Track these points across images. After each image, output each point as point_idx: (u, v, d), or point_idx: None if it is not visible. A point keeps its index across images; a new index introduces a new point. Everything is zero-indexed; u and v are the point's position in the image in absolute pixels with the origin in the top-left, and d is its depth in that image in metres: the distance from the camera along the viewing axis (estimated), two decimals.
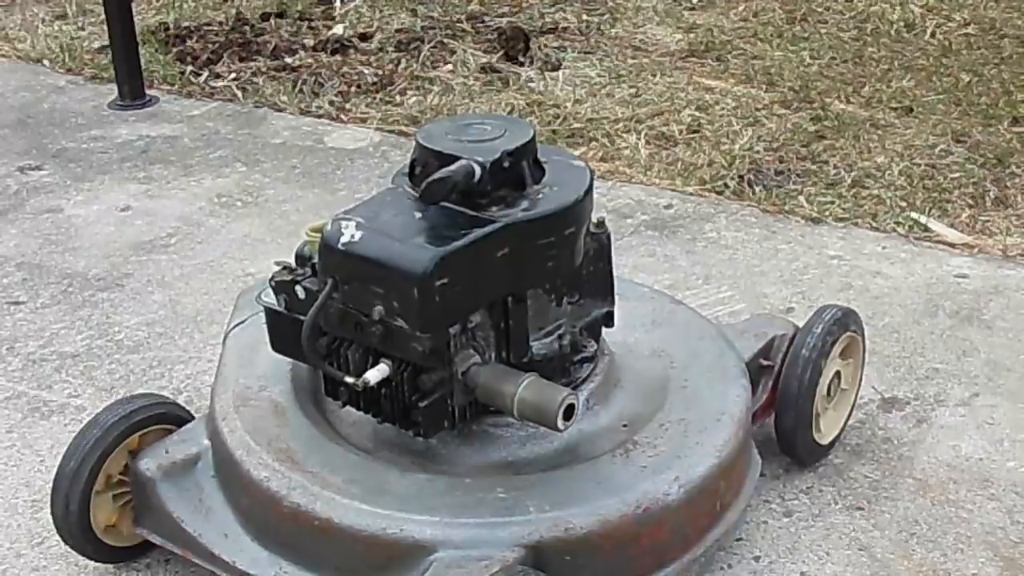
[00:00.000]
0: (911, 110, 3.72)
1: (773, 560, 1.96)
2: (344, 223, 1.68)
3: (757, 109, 3.73)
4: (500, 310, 1.75)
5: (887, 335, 2.57)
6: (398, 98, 3.89)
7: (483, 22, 4.55)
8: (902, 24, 4.42)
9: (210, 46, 4.32)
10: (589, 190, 1.79)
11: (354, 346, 1.71)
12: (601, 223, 1.89)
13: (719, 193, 3.22)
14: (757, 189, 3.23)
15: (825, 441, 2.15)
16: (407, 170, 1.82)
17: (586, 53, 4.25)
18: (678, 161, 3.40)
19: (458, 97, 3.88)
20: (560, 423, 1.66)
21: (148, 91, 3.94)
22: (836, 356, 2.11)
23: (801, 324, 2.13)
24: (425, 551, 1.63)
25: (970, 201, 3.14)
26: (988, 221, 3.05)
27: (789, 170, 3.34)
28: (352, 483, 1.71)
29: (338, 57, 4.23)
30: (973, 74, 3.98)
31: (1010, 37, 4.33)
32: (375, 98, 3.89)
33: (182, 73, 4.11)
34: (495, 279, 1.70)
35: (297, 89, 3.95)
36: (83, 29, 4.56)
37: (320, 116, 3.79)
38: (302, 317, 1.70)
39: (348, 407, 1.81)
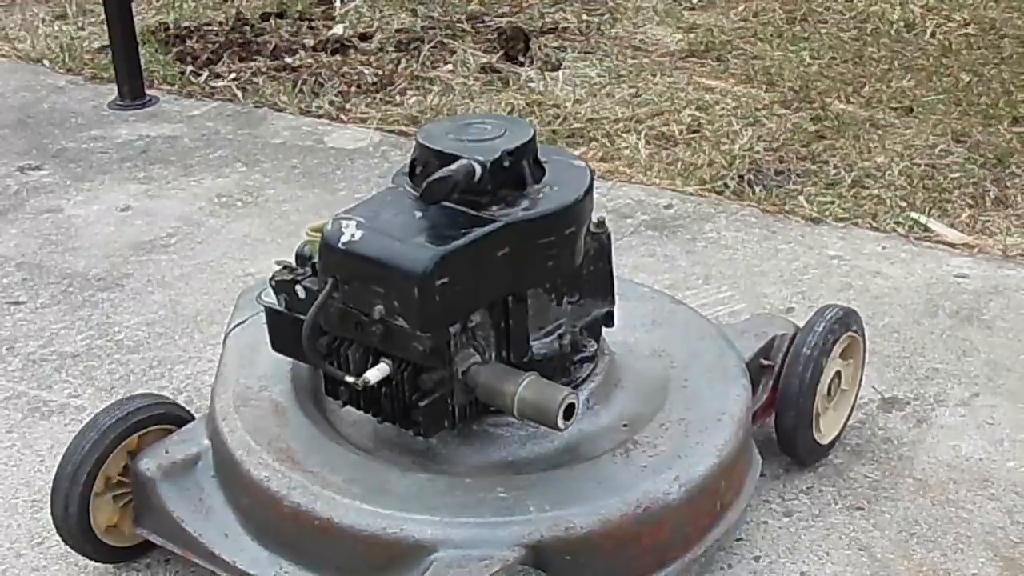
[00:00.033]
0: (911, 110, 3.72)
1: (773, 560, 1.96)
2: (344, 222, 1.68)
3: (757, 109, 3.73)
4: (500, 309, 1.75)
5: (887, 335, 2.57)
6: (398, 98, 3.89)
7: (483, 22, 4.55)
8: (902, 24, 4.42)
9: (210, 46, 4.32)
10: (589, 190, 1.79)
11: (354, 345, 1.71)
12: (601, 223, 1.89)
13: (719, 193, 3.22)
14: (757, 189, 3.23)
15: (825, 441, 2.15)
16: (407, 170, 1.82)
17: (586, 53, 4.25)
18: (678, 161, 3.40)
19: (458, 97, 3.88)
20: (560, 422, 1.66)
21: (148, 91, 3.94)
22: (837, 356, 2.11)
23: (801, 324, 2.13)
24: (425, 551, 1.63)
25: (970, 201, 3.14)
26: (988, 221, 3.05)
27: (789, 170, 3.34)
28: (352, 483, 1.71)
29: (338, 57, 4.23)
30: (973, 74, 3.98)
31: (1010, 37, 4.33)
32: (375, 98, 3.89)
33: (182, 73, 4.11)
34: (495, 278, 1.70)
35: (297, 89, 3.95)
36: (83, 29, 4.56)
37: (320, 116, 3.80)
38: (302, 317, 1.70)
39: (348, 407, 1.81)
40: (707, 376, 1.95)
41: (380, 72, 4.09)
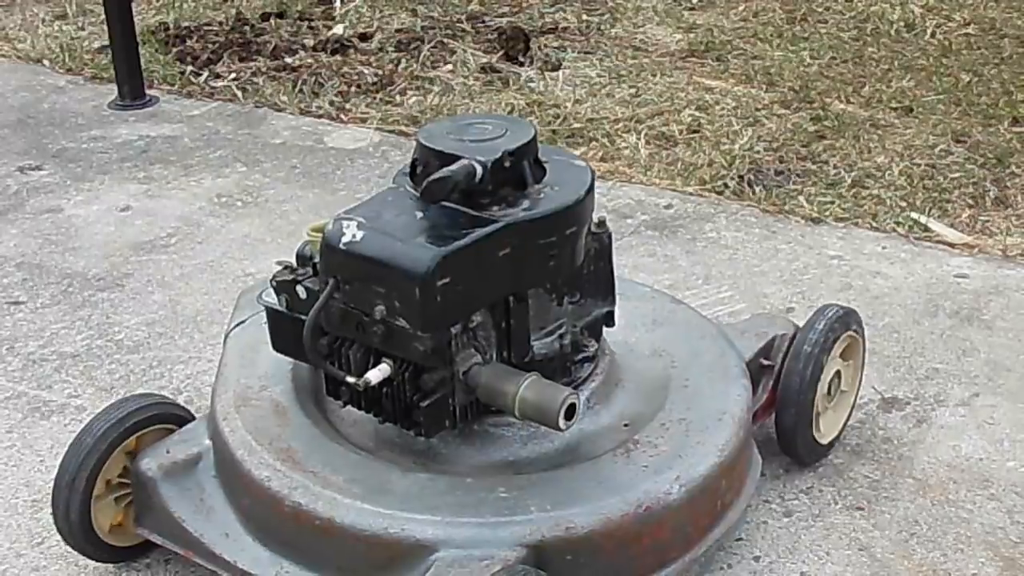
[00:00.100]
0: (911, 110, 3.72)
1: (773, 560, 1.96)
2: (345, 223, 1.68)
3: (757, 109, 3.74)
4: (501, 310, 1.76)
5: (887, 335, 2.57)
6: (398, 98, 3.89)
7: (483, 22, 4.55)
8: (902, 24, 4.43)
9: (210, 46, 4.32)
10: (590, 190, 1.79)
11: (355, 346, 1.71)
12: (602, 223, 1.89)
13: (719, 193, 3.22)
14: (757, 189, 3.23)
15: (825, 441, 2.15)
16: (408, 170, 1.82)
17: (586, 53, 4.25)
18: (678, 161, 3.40)
19: (458, 97, 3.88)
20: (561, 423, 1.66)
21: (148, 91, 3.94)
22: (837, 355, 2.11)
23: (801, 324, 2.13)
24: (426, 551, 1.63)
25: (970, 201, 3.14)
26: (988, 221, 3.05)
27: (789, 170, 3.34)
28: (353, 483, 1.71)
29: (338, 57, 4.23)
30: (973, 74, 3.98)
31: (1010, 37, 4.33)
32: (375, 98, 3.89)
33: (182, 73, 4.11)
34: (496, 279, 1.70)
35: (297, 89, 3.95)
36: (83, 29, 4.56)
37: (320, 116, 3.80)
38: (303, 317, 1.70)
39: (349, 407, 1.81)
40: (708, 376, 1.95)
41: (380, 72, 4.09)
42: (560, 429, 1.68)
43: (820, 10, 4.63)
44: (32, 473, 2.19)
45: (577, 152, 3.33)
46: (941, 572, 1.93)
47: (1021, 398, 2.36)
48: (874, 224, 3.04)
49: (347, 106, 3.85)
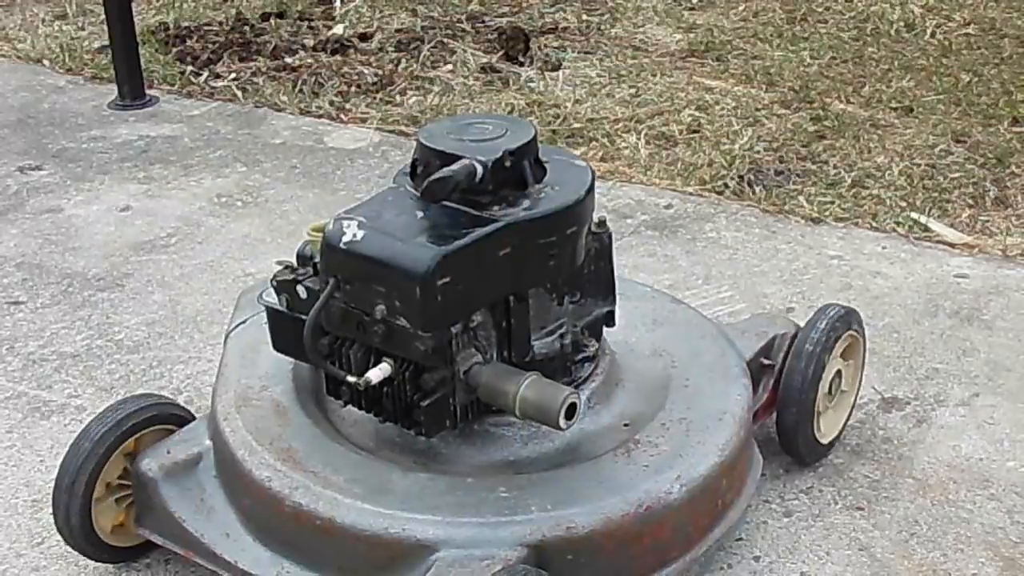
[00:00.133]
0: (911, 110, 3.72)
1: (773, 560, 1.96)
2: (346, 222, 1.68)
3: (757, 109, 3.74)
4: (502, 309, 1.76)
5: (887, 335, 2.57)
6: (398, 98, 3.89)
7: (483, 22, 4.55)
8: (902, 24, 4.43)
9: (210, 46, 4.32)
10: (590, 189, 1.79)
11: (356, 345, 1.71)
12: (602, 223, 1.89)
13: (719, 193, 3.22)
14: (757, 189, 3.23)
15: (825, 441, 2.15)
16: (408, 169, 1.82)
17: (586, 53, 4.25)
18: (678, 161, 3.40)
19: (458, 97, 3.88)
20: (562, 422, 1.66)
21: (148, 91, 3.95)
22: (838, 355, 2.11)
23: (801, 324, 2.13)
24: (427, 550, 1.63)
25: (970, 201, 3.15)
26: (988, 221, 3.06)
27: (789, 170, 3.34)
28: (354, 483, 1.71)
29: (338, 57, 4.23)
30: (973, 74, 3.99)
31: (1010, 37, 4.33)
32: (375, 98, 3.89)
33: (182, 73, 4.11)
34: (497, 278, 1.70)
35: (297, 89, 3.95)
36: (83, 29, 4.56)
37: (320, 116, 3.80)
38: (304, 316, 1.70)
39: (350, 406, 1.81)
40: (708, 375, 1.95)
41: (380, 72, 4.09)
42: (561, 429, 1.68)
43: (820, 10, 4.63)
44: (32, 473, 2.19)
45: (577, 152, 3.33)
46: (941, 572, 1.93)
47: (1021, 398, 2.36)
48: (874, 224, 3.04)
49: (347, 106, 3.85)
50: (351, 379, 1.69)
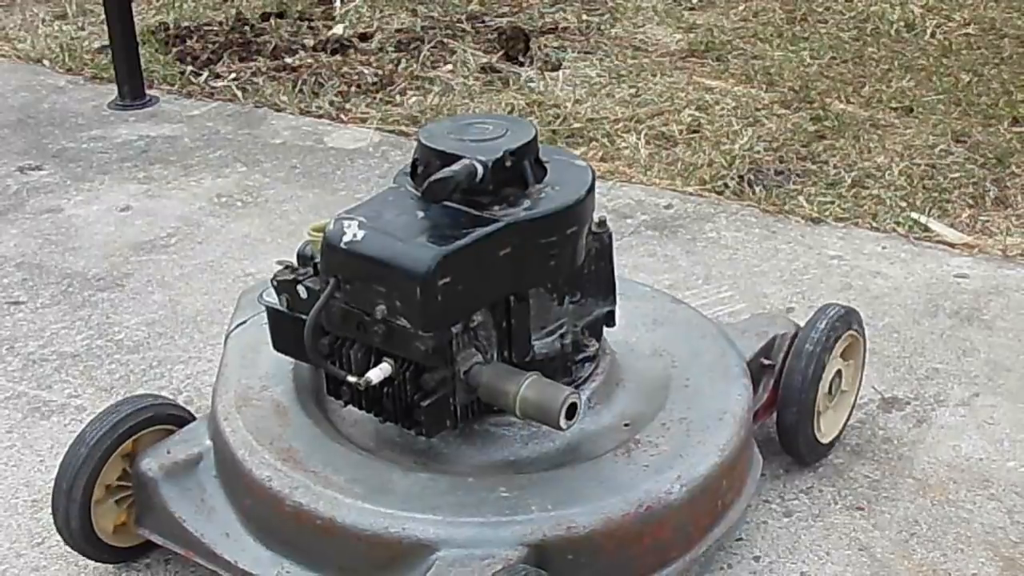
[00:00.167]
0: (911, 110, 3.72)
1: (773, 560, 1.96)
2: (346, 222, 1.68)
3: (757, 109, 3.74)
4: (502, 309, 1.76)
5: (887, 335, 2.57)
6: (398, 98, 3.89)
7: (483, 22, 4.55)
8: (902, 24, 4.43)
9: (210, 46, 4.32)
10: (591, 189, 1.79)
11: (356, 345, 1.71)
12: (603, 222, 1.89)
13: (719, 193, 3.22)
14: (757, 189, 3.23)
15: (825, 441, 2.15)
16: (409, 169, 1.82)
17: (586, 53, 4.25)
18: (678, 161, 3.40)
19: (458, 97, 3.88)
20: (563, 422, 1.66)
21: (148, 91, 3.95)
22: (838, 355, 2.12)
23: (801, 324, 2.13)
24: (428, 550, 1.63)
25: (970, 201, 3.15)
26: (988, 221, 3.06)
27: (789, 170, 3.34)
28: (354, 482, 1.71)
29: (338, 57, 4.23)
30: (973, 74, 3.99)
31: (1010, 37, 4.34)
32: (375, 98, 3.89)
33: (182, 73, 4.11)
34: (497, 278, 1.70)
35: (297, 89, 3.95)
36: (83, 29, 4.56)
37: (320, 116, 3.80)
38: (304, 316, 1.70)
39: (350, 406, 1.81)
40: (708, 375, 1.95)
41: (380, 72, 4.09)
42: (561, 428, 1.68)
43: (820, 10, 4.63)
44: (32, 473, 2.19)
45: (577, 152, 3.33)
46: (941, 572, 1.93)
47: (1021, 398, 2.36)
48: (874, 224, 3.04)
49: (347, 106, 3.85)
50: (351, 379, 1.68)
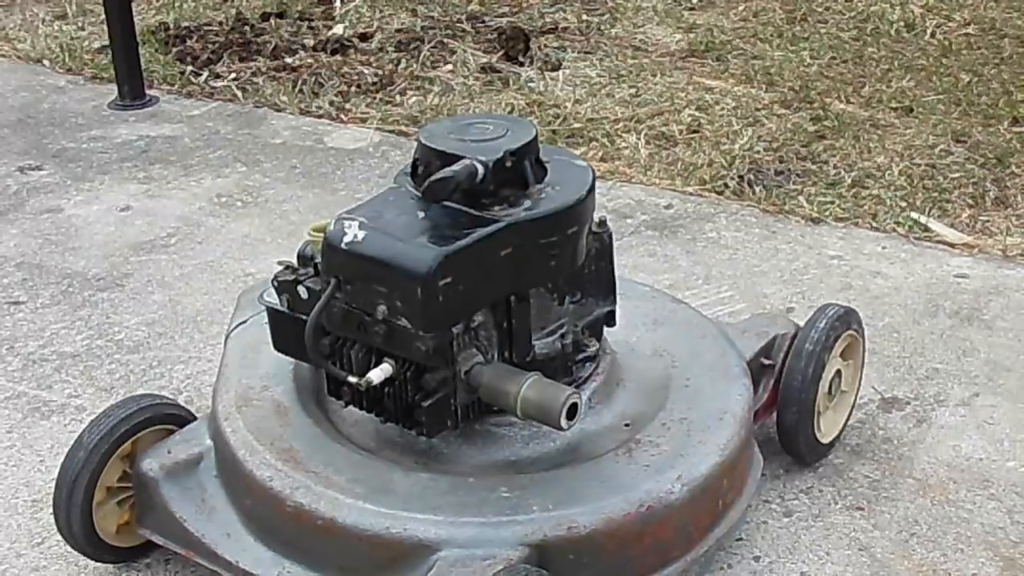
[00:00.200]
0: (911, 110, 3.72)
1: (773, 560, 1.96)
2: (347, 223, 1.68)
3: (757, 109, 3.74)
4: (503, 309, 1.76)
5: (887, 335, 2.57)
6: (398, 98, 3.89)
7: (483, 22, 4.55)
8: (902, 24, 4.43)
9: (210, 46, 4.32)
10: (591, 189, 1.80)
11: (357, 346, 1.71)
12: (603, 222, 1.89)
13: (719, 193, 3.22)
14: (757, 189, 3.23)
15: (825, 441, 2.15)
16: (409, 170, 1.82)
17: (586, 53, 4.25)
18: (678, 161, 3.40)
19: (458, 97, 3.88)
20: (564, 422, 1.66)
21: (148, 91, 3.94)
22: (838, 355, 2.12)
23: (802, 324, 2.13)
24: (429, 550, 1.63)
25: (970, 201, 3.15)
26: (988, 221, 3.06)
27: (789, 170, 3.34)
28: (355, 483, 1.71)
29: (338, 57, 4.23)
30: (973, 74, 3.99)
31: (1010, 37, 4.34)
32: (375, 98, 3.89)
33: (182, 73, 4.11)
34: (498, 278, 1.70)
35: (297, 89, 3.95)
36: (83, 29, 4.56)
37: (320, 116, 3.80)
38: (305, 317, 1.70)
39: (351, 407, 1.81)
40: (709, 375, 1.95)
41: (380, 72, 4.09)
42: (562, 428, 1.68)
43: (820, 10, 4.63)
44: (32, 473, 2.19)
45: (577, 152, 3.33)
46: (941, 572, 1.93)
47: (1021, 398, 2.36)
48: (874, 224, 3.05)
49: (347, 106, 3.85)
50: (352, 379, 1.69)
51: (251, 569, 1.74)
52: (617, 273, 1.95)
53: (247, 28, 4.51)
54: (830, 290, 2.76)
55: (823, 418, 2.13)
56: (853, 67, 4.09)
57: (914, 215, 3.07)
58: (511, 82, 4.00)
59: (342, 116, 3.79)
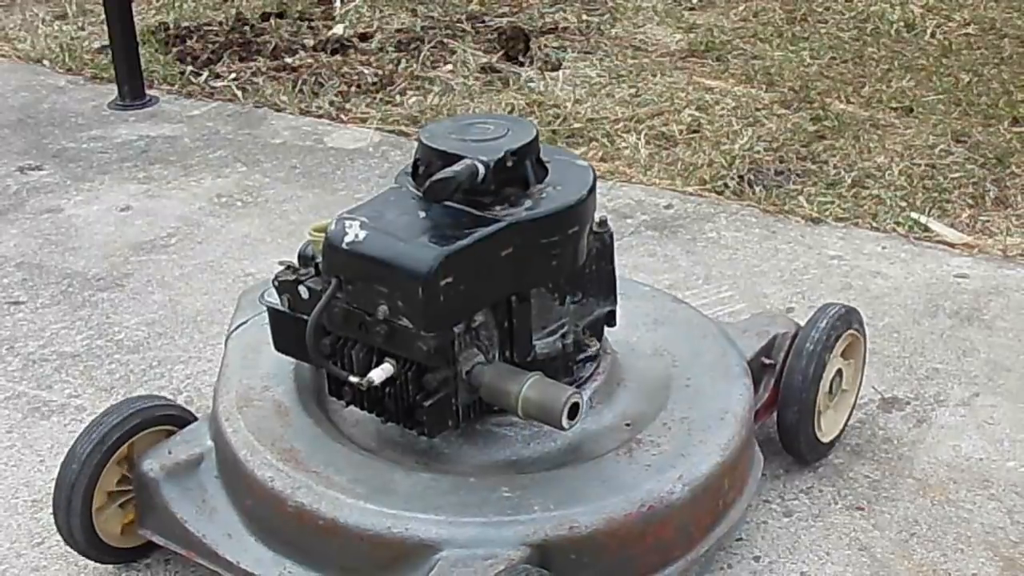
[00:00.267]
0: (911, 110, 3.72)
1: (773, 560, 1.96)
2: (348, 223, 1.68)
3: (757, 109, 3.74)
4: (504, 309, 1.76)
5: (887, 335, 2.57)
6: (398, 98, 3.89)
7: (483, 22, 4.55)
8: (902, 24, 4.43)
9: (210, 46, 4.32)
10: (592, 189, 1.80)
11: (358, 346, 1.71)
12: (604, 222, 1.89)
13: (719, 193, 3.22)
14: (757, 189, 3.23)
15: (826, 441, 2.15)
16: (410, 169, 1.82)
17: (586, 53, 4.25)
18: (678, 161, 3.40)
19: (458, 97, 3.88)
20: (565, 422, 1.66)
21: (148, 91, 3.94)
22: (838, 354, 2.12)
23: (802, 324, 2.13)
24: (430, 550, 1.63)
25: (970, 201, 3.15)
26: (988, 221, 3.06)
27: (789, 170, 3.35)
28: (356, 483, 1.71)
29: (338, 57, 4.23)
30: (973, 74, 3.99)
31: (1010, 37, 4.34)
32: (375, 98, 3.89)
33: (182, 73, 4.11)
34: (499, 278, 1.70)
35: (297, 89, 3.95)
36: (83, 29, 4.56)
37: (320, 116, 3.80)
38: (305, 317, 1.70)
39: (352, 407, 1.81)
40: (709, 375, 1.95)
41: (380, 72, 4.09)
42: (563, 428, 1.68)
43: (820, 10, 4.64)
44: (32, 473, 2.19)
45: (577, 152, 3.33)
46: (941, 572, 1.93)
47: (1021, 398, 2.36)
48: (874, 224, 3.05)
49: (347, 106, 3.85)
50: (353, 379, 1.69)
51: (252, 569, 1.74)
52: (617, 273, 1.94)
53: (247, 28, 4.51)
54: (830, 290, 2.76)
55: (824, 417, 2.13)
56: (853, 67, 4.09)
57: (914, 215, 3.07)
58: (511, 82, 4.00)
59: (342, 116, 3.79)
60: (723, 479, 1.80)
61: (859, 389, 2.24)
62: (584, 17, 4.60)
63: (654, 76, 4.02)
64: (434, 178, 1.68)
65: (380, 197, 1.78)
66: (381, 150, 3.56)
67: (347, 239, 1.66)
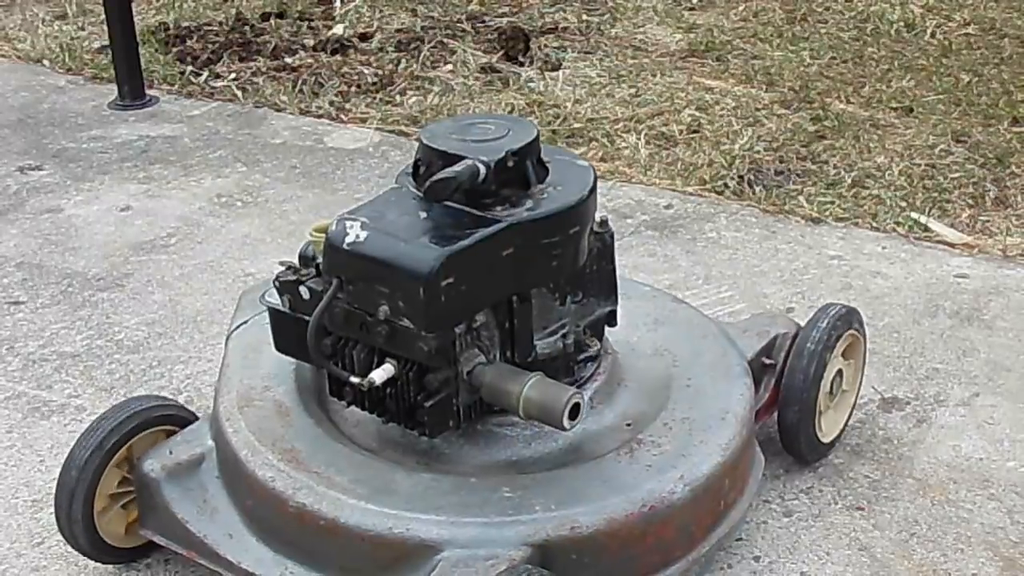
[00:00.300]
0: (911, 110, 3.72)
1: (773, 560, 1.96)
2: (349, 223, 1.68)
3: (757, 109, 3.74)
4: (505, 309, 1.76)
5: (887, 335, 2.57)
6: (398, 98, 3.89)
7: (483, 22, 4.55)
8: (902, 24, 4.43)
9: (210, 46, 4.32)
10: (593, 189, 1.80)
11: (359, 346, 1.71)
12: (604, 222, 1.90)
13: (719, 193, 3.22)
14: (757, 189, 3.23)
15: (826, 440, 2.15)
16: (411, 170, 1.82)
17: (586, 53, 4.25)
18: (678, 161, 3.41)
19: (458, 97, 3.88)
20: (566, 422, 1.66)
21: (148, 91, 3.94)
22: (839, 354, 2.12)
23: (802, 324, 2.13)
24: (431, 550, 1.63)
25: (970, 201, 3.15)
26: (988, 221, 3.06)
27: (789, 170, 3.35)
28: (357, 483, 1.71)
29: (338, 57, 4.23)
30: (973, 74, 3.99)
31: (1010, 37, 4.34)
32: (375, 98, 3.89)
33: (182, 73, 4.11)
34: (500, 278, 1.70)
35: (297, 89, 3.95)
36: (83, 29, 4.56)
37: (320, 116, 3.80)
38: (306, 317, 1.70)
39: (353, 407, 1.81)
40: (710, 375, 1.95)
41: (380, 72, 4.09)
42: (564, 429, 1.68)
43: (820, 10, 4.64)
44: (32, 473, 2.19)
45: (577, 152, 3.33)
46: (941, 572, 1.94)
47: (1021, 398, 2.37)
48: (874, 224, 3.05)
49: (347, 106, 3.85)
50: (354, 380, 1.69)
51: (253, 570, 1.74)
52: (618, 273, 1.95)
53: (247, 28, 4.51)
54: (830, 290, 2.76)
55: (824, 417, 2.13)
56: (853, 67, 4.09)
57: (914, 215, 3.07)
58: (511, 82, 4.00)
59: (342, 116, 3.79)
60: (724, 479, 1.80)
61: (859, 389, 2.24)
62: (584, 17, 4.60)
63: (654, 76, 4.02)
64: (435, 178, 1.68)
65: (381, 197, 1.78)
66: (381, 150, 3.56)
67: (348, 239, 1.66)
